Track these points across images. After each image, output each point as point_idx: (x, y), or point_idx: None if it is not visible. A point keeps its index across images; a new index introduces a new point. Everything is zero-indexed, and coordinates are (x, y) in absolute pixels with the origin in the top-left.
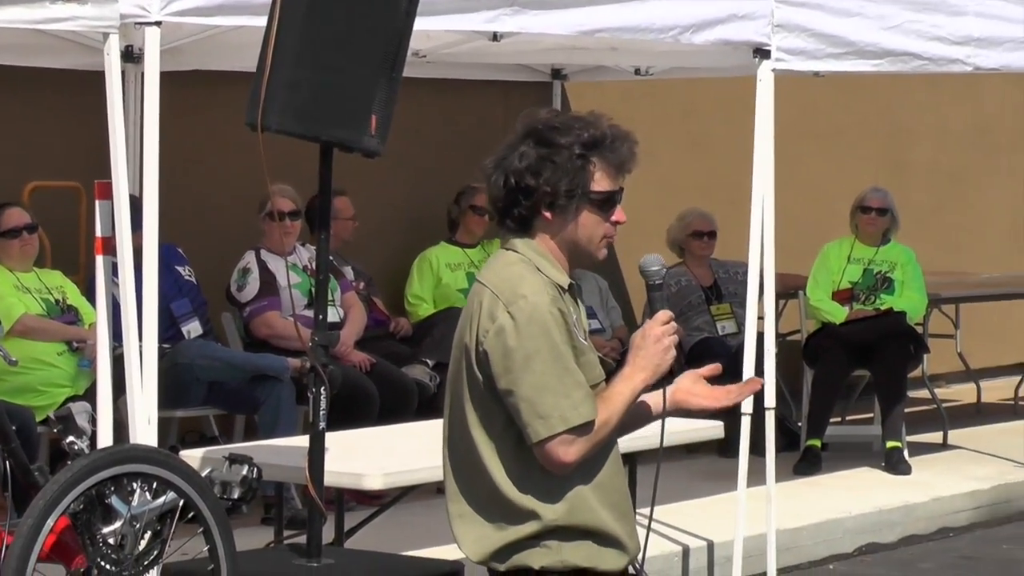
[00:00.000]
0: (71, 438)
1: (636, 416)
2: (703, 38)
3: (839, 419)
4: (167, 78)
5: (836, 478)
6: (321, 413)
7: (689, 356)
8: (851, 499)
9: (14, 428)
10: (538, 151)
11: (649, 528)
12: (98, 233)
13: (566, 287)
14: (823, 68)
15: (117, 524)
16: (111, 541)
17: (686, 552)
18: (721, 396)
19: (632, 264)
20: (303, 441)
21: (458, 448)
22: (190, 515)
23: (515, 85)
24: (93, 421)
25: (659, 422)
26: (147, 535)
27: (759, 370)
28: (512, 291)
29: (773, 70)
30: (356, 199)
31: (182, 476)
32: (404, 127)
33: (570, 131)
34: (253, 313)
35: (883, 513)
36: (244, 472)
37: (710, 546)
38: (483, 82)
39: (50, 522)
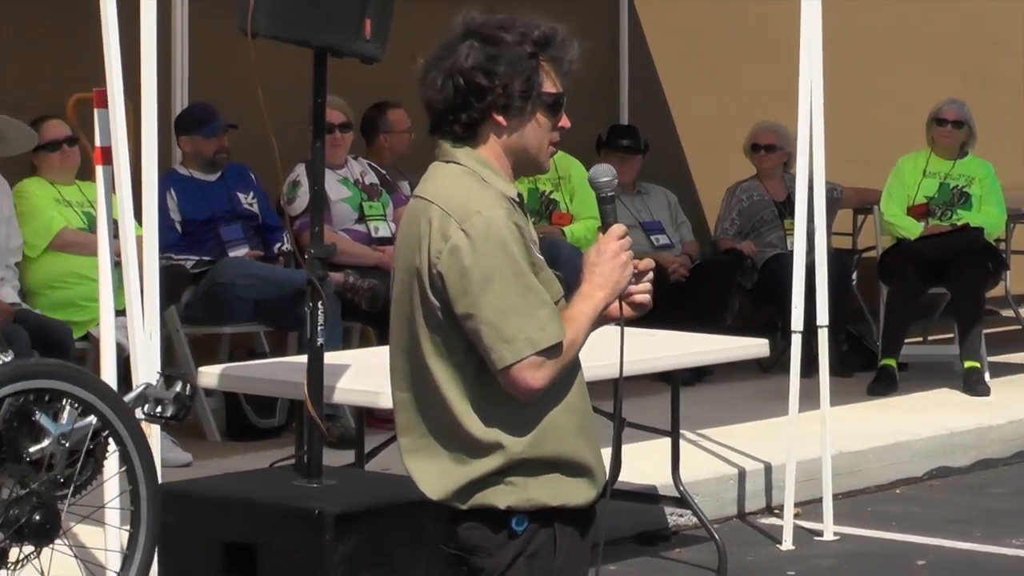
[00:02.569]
0: None
1: None
2: None
3: (920, 339)
4: None
5: (911, 399)
6: (319, 328)
7: (762, 272)
8: (923, 421)
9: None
10: (486, 49)
11: (614, 457)
12: (97, 143)
13: (517, 199)
14: None
15: (45, 443)
16: (37, 460)
17: (741, 475)
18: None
19: (704, 176)
20: (336, 358)
21: (411, 378)
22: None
23: None
24: None
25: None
26: (79, 455)
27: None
28: (464, 207)
29: None
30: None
31: (96, 393)
32: None
33: (514, 28)
34: (302, 227)
35: (955, 436)
36: (178, 389)
37: (767, 468)
38: None
39: None
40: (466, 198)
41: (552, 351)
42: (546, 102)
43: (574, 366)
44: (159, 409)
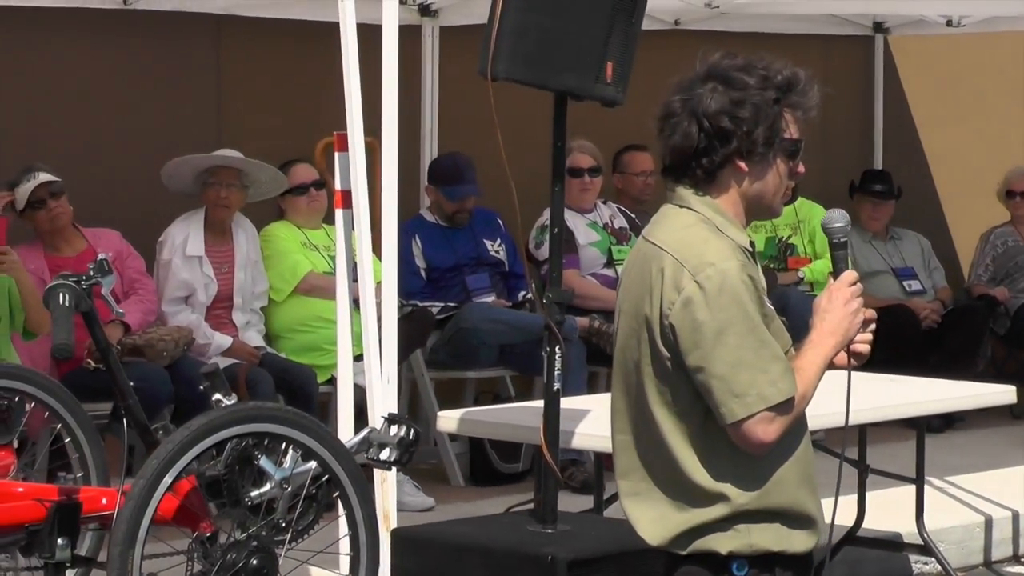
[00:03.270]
0: (218, 395)
1: None
2: None
3: None
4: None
5: None
6: (556, 373)
7: (1015, 318)
8: None
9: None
10: (729, 93)
11: (859, 504)
12: (337, 186)
13: (750, 248)
14: None
15: (266, 487)
16: (257, 504)
17: (988, 522)
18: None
19: (958, 222)
20: (578, 403)
21: (634, 423)
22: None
23: (834, 40)
24: None
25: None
26: (300, 500)
27: None
28: (698, 257)
29: None
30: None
31: (315, 437)
32: None
33: (755, 72)
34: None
35: None
36: (401, 433)
37: (1015, 516)
38: (799, 36)
39: (167, 481)
40: (701, 248)
41: (783, 406)
42: (787, 149)
43: (801, 416)
44: (383, 454)
